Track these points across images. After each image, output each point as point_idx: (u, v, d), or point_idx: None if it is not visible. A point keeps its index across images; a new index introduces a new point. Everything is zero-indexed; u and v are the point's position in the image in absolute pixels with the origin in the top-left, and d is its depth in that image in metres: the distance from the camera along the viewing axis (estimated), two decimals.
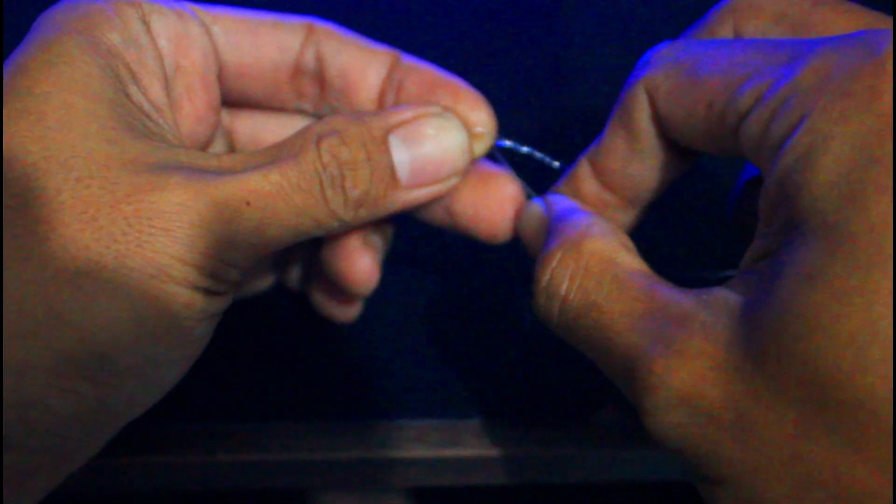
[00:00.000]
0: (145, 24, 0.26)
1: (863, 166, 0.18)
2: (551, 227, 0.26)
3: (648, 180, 0.26)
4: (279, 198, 0.24)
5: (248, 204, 0.23)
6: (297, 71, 0.28)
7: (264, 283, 0.33)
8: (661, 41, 0.25)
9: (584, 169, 0.27)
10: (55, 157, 0.22)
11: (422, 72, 0.28)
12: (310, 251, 0.32)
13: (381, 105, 0.28)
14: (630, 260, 0.23)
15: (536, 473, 0.36)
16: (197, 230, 0.23)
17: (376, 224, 0.30)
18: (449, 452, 0.36)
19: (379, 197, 0.26)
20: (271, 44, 0.28)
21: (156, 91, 0.25)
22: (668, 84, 0.23)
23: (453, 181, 0.27)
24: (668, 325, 0.21)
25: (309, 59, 0.28)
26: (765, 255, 0.20)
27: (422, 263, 0.37)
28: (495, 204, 0.28)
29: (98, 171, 0.22)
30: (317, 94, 0.29)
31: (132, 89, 0.25)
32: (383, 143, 0.26)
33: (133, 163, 0.23)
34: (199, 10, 0.27)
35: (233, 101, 0.29)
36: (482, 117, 0.28)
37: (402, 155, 0.26)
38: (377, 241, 0.30)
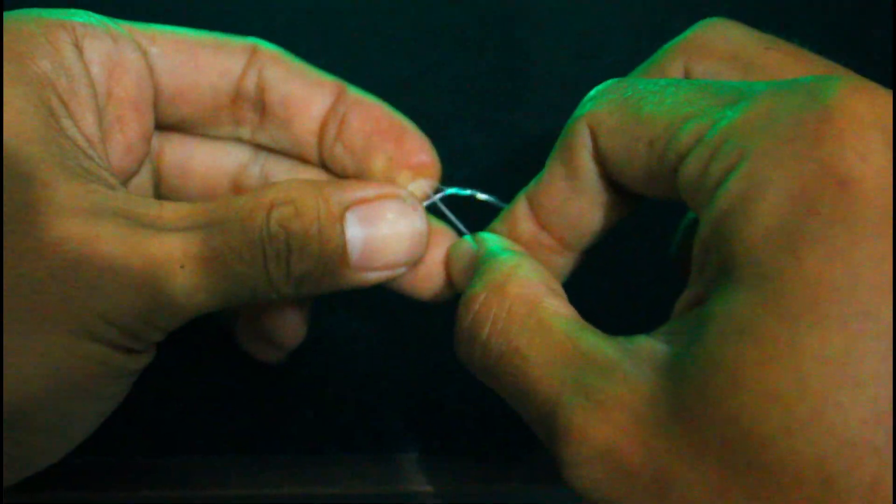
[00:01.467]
0: (78, 48, 0.24)
1: (800, 216, 0.17)
2: (478, 265, 0.24)
3: (587, 222, 0.25)
4: (218, 264, 0.22)
5: (182, 267, 0.22)
6: (238, 97, 0.27)
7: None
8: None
9: (521, 207, 0.26)
10: None
11: (367, 107, 0.27)
12: None
13: (321, 137, 0.27)
14: (556, 304, 0.22)
15: None
16: (126, 290, 0.21)
17: None
18: (389, 489, 0.35)
19: (325, 275, 0.24)
20: (212, 68, 0.27)
21: (89, 123, 0.24)
22: (611, 121, 0.22)
23: (403, 270, 0.26)
24: (589, 374, 0.20)
25: (250, 84, 0.27)
26: (696, 302, 0.19)
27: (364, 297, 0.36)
28: (433, 265, 0.27)
29: (25, 217, 0.21)
30: (256, 121, 0.28)
31: (65, 123, 0.23)
32: (339, 220, 0.24)
33: (65, 208, 0.21)
34: (136, 30, 0.26)
35: (166, 124, 0.28)
36: (425, 161, 0.27)
37: (356, 235, 0.24)
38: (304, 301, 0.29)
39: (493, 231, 0.27)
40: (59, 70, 0.23)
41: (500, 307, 0.22)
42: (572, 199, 0.24)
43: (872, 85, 0.18)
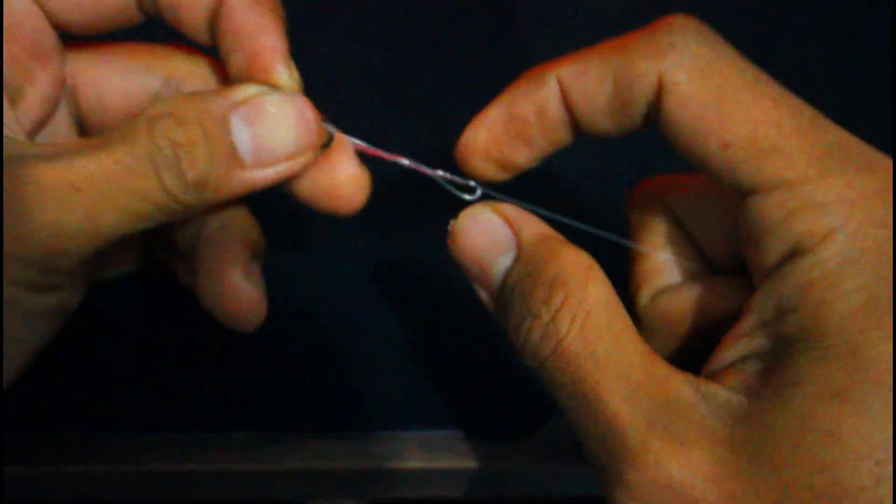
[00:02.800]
0: None
1: (889, 293, 0.19)
2: (527, 251, 0.24)
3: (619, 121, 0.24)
4: (112, 182, 0.23)
5: (77, 190, 0.22)
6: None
7: (126, 266, 0.31)
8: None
9: (552, 86, 0.24)
10: None
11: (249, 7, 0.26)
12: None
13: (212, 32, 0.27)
14: (628, 319, 0.22)
15: (482, 488, 0.36)
16: (19, 220, 0.22)
17: (251, 251, 0.28)
18: (393, 465, 0.35)
19: (221, 178, 0.24)
20: None
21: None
22: (693, 93, 0.22)
23: (302, 160, 0.25)
24: (666, 408, 0.21)
25: None
26: (757, 354, 0.21)
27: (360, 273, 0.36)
28: (334, 176, 0.27)
29: None
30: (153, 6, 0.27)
31: None
32: (223, 123, 0.24)
33: None
34: None
35: (76, 31, 0.27)
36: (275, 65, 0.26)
37: (243, 134, 0.25)
38: (256, 268, 0.28)
39: (515, 103, 0.24)
40: None
41: (580, 308, 0.22)
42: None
43: None
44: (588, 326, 0.22)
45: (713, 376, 0.21)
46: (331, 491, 0.36)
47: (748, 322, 0.21)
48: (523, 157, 0.25)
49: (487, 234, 0.24)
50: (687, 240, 0.25)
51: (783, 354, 0.20)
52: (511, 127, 0.24)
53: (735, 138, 0.21)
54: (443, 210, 0.35)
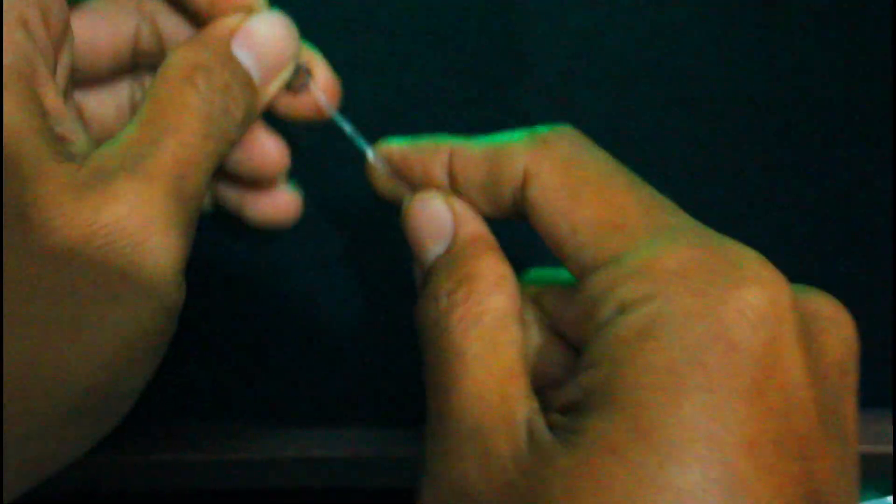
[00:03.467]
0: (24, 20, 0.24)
1: (688, 365, 0.19)
2: (458, 245, 0.25)
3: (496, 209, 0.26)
4: (195, 154, 0.25)
5: (183, 178, 0.24)
6: None
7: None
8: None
9: (442, 156, 0.26)
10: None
11: None
12: None
13: None
14: (515, 336, 0.23)
15: None
16: (168, 237, 0.23)
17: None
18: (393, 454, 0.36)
19: (251, 107, 0.27)
20: None
21: (51, 96, 0.24)
22: (549, 179, 0.24)
23: (292, 67, 0.28)
24: (494, 424, 0.22)
25: None
26: (573, 403, 0.21)
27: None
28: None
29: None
30: None
31: (38, 106, 0.23)
32: (234, 59, 0.27)
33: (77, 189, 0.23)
34: None
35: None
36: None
37: (248, 60, 0.27)
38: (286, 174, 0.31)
39: (406, 157, 0.27)
40: (12, 51, 0.23)
41: (475, 310, 0.23)
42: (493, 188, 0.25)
43: (774, 274, 0.21)
44: (474, 328, 0.23)
45: (559, 408, 0.22)
46: (330, 479, 0.37)
47: (575, 372, 0.22)
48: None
49: (431, 220, 0.26)
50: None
51: (581, 406, 0.21)
52: (405, 169, 0.27)
53: (582, 221, 0.23)
54: None
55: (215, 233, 0.36)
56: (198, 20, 0.28)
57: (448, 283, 0.24)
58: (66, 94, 0.27)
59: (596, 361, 0.21)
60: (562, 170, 0.23)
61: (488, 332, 0.23)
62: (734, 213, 0.37)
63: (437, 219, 0.26)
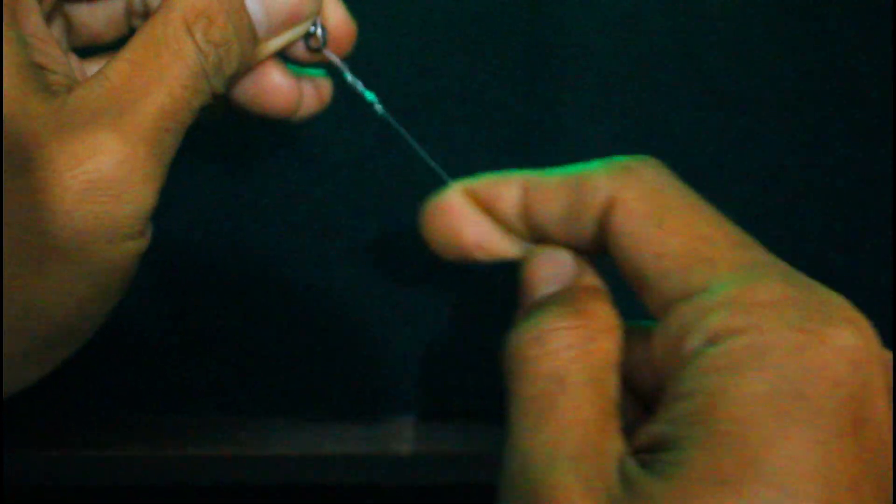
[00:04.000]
0: None
1: (792, 398, 0.19)
2: (580, 286, 0.25)
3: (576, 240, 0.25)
4: (181, 107, 0.25)
5: (165, 130, 0.24)
6: None
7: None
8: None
9: (514, 191, 0.25)
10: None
11: None
12: None
13: None
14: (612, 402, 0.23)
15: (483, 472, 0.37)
16: (136, 184, 0.24)
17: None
18: (389, 450, 0.36)
19: (246, 62, 0.27)
20: None
21: (36, 22, 0.25)
22: (636, 206, 0.23)
23: (301, 28, 0.28)
24: (588, 462, 0.21)
25: None
26: (663, 440, 0.21)
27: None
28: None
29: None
30: None
31: (18, 35, 0.24)
32: (242, 8, 0.26)
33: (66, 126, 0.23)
34: None
35: None
36: None
37: (258, 12, 0.27)
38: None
39: (477, 193, 0.26)
40: None
41: (589, 344, 0.23)
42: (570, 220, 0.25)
43: (861, 316, 0.21)
44: (583, 361, 0.22)
45: (640, 448, 0.22)
46: (338, 475, 0.37)
47: (661, 406, 0.22)
48: (474, 239, 0.26)
49: (554, 269, 0.25)
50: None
51: (671, 440, 0.20)
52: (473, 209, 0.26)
53: (669, 249, 0.22)
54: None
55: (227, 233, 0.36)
56: None
57: (562, 316, 0.23)
58: (52, 13, 0.27)
59: (687, 393, 0.20)
60: (647, 197, 0.23)
61: (596, 369, 0.22)
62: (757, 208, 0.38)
63: (560, 268, 0.25)
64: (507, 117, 0.38)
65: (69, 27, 0.29)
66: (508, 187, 0.25)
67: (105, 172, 0.23)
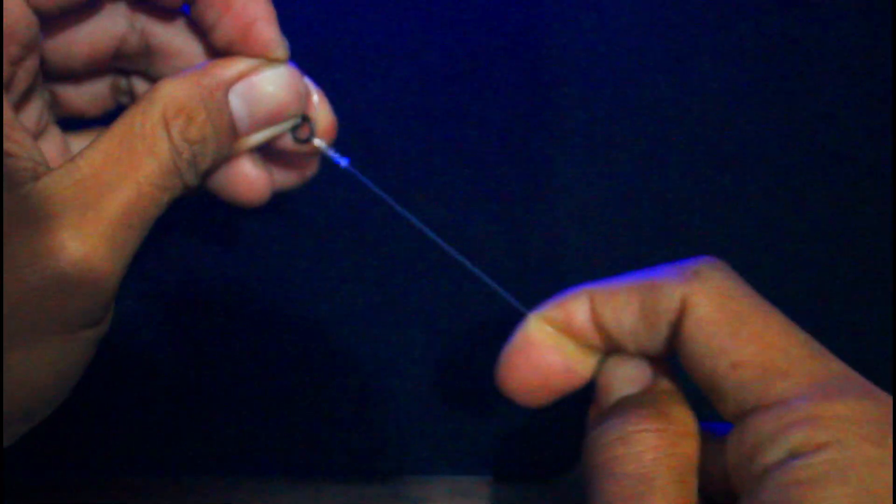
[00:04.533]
0: None
1: None
2: (660, 389, 0.25)
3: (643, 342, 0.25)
4: (148, 204, 0.24)
5: (131, 226, 0.24)
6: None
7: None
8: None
9: (583, 302, 0.25)
10: None
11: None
12: None
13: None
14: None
15: None
16: (94, 278, 0.23)
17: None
18: None
19: (222, 157, 0.27)
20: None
21: (3, 107, 0.24)
22: (709, 316, 0.23)
23: (291, 123, 0.28)
24: None
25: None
26: None
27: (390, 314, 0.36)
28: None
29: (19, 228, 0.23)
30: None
31: None
32: (225, 106, 0.26)
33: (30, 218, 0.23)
34: None
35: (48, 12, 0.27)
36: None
37: (241, 109, 0.26)
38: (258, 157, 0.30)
39: (550, 318, 0.26)
40: None
41: (672, 447, 0.23)
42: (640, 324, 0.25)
43: None
44: (667, 461, 0.23)
45: None
46: None
47: None
48: (562, 367, 0.26)
49: (631, 365, 0.25)
50: None
51: None
52: (548, 341, 0.25)
53: (745, 359, 0.22)
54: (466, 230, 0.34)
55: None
56: (209, 49, 0.28)
57: (647, 417, 0.23)
58: (30, 92, 0.27)
59: (774, 502, 0.20)
60: (720, 303, 0.23)
61: (680, 471, 0.23)
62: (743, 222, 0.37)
63: (638, 369, 0.25)
64: (500, 177, 0.37)
65: (53, 101, 0.29)
66: (578, 304, 0.25)
67: (63, 271, 0.23)
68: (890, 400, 0.21)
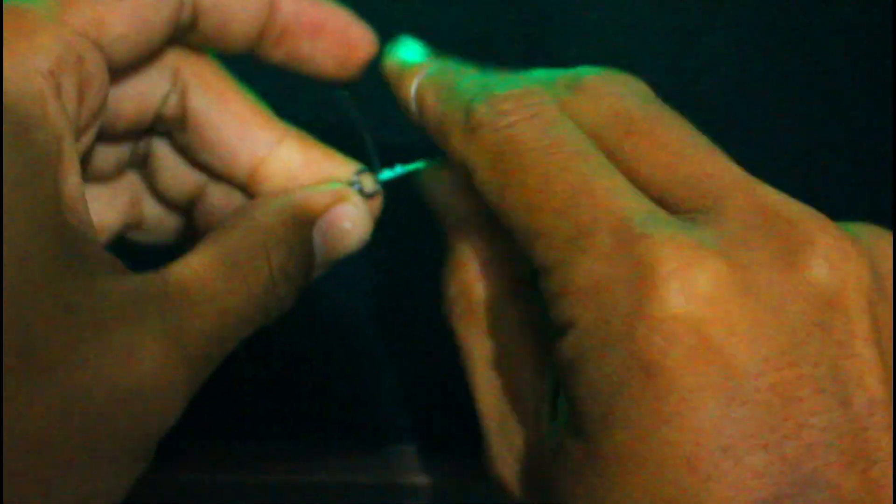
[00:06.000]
0: (56, 90, 0.21)
1: (612, 396, 0.18)
2: (449, 233, 0.26)
3: None
4: (233, 336, 0.22)
5: (208, 358, 0.22)
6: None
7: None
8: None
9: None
10: None
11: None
12: None
13: (261, 40, 0.25)
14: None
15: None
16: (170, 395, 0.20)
17: None
18: (388, 479, 0.35)
19: (299, 285, 0.25)
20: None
21: (73, 181, 0.20)
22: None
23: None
24: (507, 414, 0.23)
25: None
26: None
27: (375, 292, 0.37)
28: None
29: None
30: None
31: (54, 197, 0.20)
32: (309, 241, 0.25)
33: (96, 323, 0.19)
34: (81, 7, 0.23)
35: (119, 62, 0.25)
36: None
37: (318, 245, 0.25)
38: None
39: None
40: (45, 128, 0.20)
41: (466, 301, 0.24)
42: None
43: (696, 256, 0.18)
44: (470, 323, 0.24)
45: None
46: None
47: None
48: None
49: (434, 203, 0.26)
50: None
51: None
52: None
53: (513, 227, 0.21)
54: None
55: None
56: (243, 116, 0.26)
57: (446, 278, 0.24)
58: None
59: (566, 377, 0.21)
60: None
61: (483, 325, 0.23)
62: None
63: (433, 198, 0.26)
64: None
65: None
66: (412, 75, 0.25)
67: (142, 383, 0.19)
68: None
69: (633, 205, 0.20)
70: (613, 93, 0.23)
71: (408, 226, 0.35)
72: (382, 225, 0.35)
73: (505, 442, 0.23)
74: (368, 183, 0.26)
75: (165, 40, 0.24)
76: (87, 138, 0.22)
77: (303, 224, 0.24)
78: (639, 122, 0.22)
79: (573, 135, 0.21)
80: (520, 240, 0.21)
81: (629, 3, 0.38)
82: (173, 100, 0.25)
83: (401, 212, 0.34)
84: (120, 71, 0.23)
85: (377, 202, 0.27)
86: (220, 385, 0.34)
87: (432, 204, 0.26)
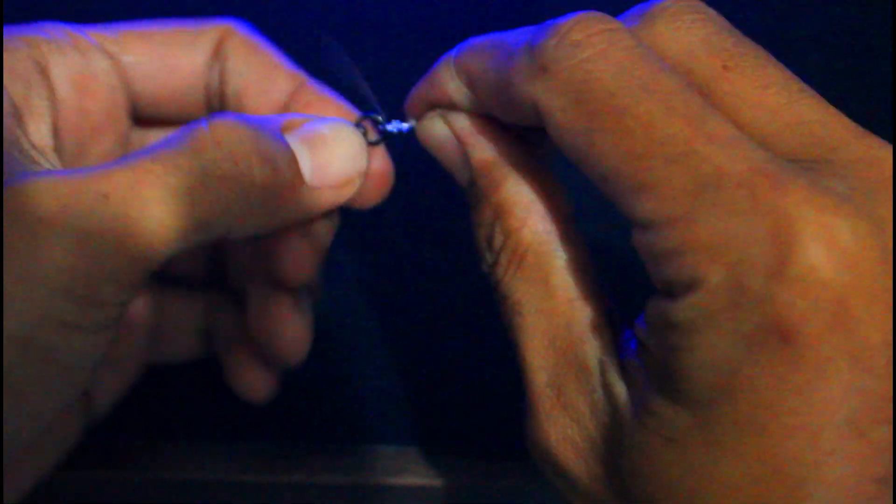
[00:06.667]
0: (40, 65, 0.25)
1: (741, 363, 0.17)
2: (476, 178, 0.23)
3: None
4: (198, 188, 0.21)
5: (106, 196, 0.20)
6: (208, 88, 0.28)
7: (184, 345, 0.31)
8: None
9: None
10: None
11: (324, 102, 0.27)
12: (231, 311, 0.30)
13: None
14: (560, 261, 0.22)
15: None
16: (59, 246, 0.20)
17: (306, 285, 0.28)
18: (393, 481, 0.35)
19: (286, 189, 0.23)
20: (184, 67, 0.27)
21: (42, 133, 0.24)
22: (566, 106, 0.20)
23: (355, 185, 0.25)
24: (567, 371, 0.21)
25: (214, 78, 0.27)
26: (642, 363, 0.20)
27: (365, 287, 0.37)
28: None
29: None
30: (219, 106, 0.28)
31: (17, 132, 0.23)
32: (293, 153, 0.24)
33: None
34: (106, 38, 0.26)
35: (144, 121, 0.28)
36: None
37: (303, 157, 0.24)
38: (307, 306, 0.28)
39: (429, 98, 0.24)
40: (17, 83, 0.24)
41: (515, 253, 0.22)
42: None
43: (834, 224, 0.17)
44: (519, 274, 0.22)
45: (626, 354, 0.21)
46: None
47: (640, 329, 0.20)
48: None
49: (444, 150, 0.24)
50: None
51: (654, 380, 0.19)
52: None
53: (608, 174, 0.19)
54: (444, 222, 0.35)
55: None
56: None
57: (483, 231, 0.22)
58: (124, 141, 0.27)
59: (653, 347, 0.20)
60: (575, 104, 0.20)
61: (535, 272, 0.21)
62: None
63: (447, 149, 0.24)
64: None
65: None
66: (443, 68, 0.24)
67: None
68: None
69: (759, 153, 0.18)
70: (698, 20, 0.20)
71: (406, 226, 0.36)
72: (379, 226, 0.36)
73: (561, 410, 0.21)
74: (371, 134, 0.26)
75: None
76: (118, 122, 0.26)
77: (283, 155, 0.24)
78: (735, 56, 0.20)
79: (667, 70, 0.19)
80: (614, 191, 0.19)
81: (629, 5, 0.38)
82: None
83: (400, 211, 0.35)
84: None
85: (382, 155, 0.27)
86: (220, 385, 0.35)
87: (448, 151, 0.24)
